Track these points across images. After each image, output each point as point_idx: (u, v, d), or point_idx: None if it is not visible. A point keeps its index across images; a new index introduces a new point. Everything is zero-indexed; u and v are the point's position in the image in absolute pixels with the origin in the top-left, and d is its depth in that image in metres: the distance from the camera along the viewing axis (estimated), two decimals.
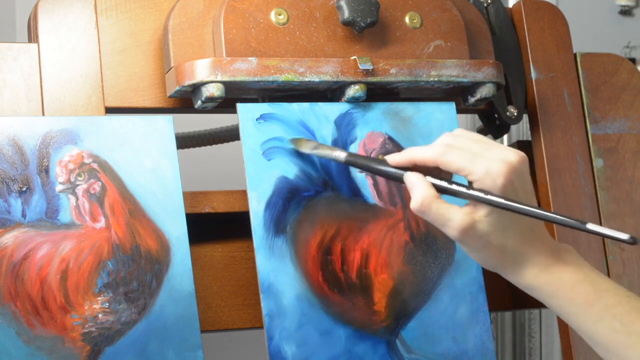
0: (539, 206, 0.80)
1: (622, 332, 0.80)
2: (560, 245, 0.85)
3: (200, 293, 0.97)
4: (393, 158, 0.85)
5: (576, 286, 0.82)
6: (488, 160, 0.80)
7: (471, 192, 0.81)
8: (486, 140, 0.83)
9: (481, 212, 0.81)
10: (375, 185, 0.98)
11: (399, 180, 0.85)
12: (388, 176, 0.86)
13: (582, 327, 0.83)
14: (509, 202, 0.79)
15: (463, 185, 0.82)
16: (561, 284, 0.82)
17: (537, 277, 0.83)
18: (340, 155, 0.90)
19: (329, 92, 1.00)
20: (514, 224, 0.82)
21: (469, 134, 0.84)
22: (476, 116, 1.41)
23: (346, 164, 0.92)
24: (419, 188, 0.82)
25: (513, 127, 1.50)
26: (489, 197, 0.80)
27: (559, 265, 0.83)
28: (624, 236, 0.75)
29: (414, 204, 0.82)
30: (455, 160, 0.81)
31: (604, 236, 0.77)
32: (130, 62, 0.97)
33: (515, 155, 0.81)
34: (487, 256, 0.83)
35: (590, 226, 0.77)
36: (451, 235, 0.82)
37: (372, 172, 0.88)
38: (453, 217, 0.81)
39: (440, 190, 0.82)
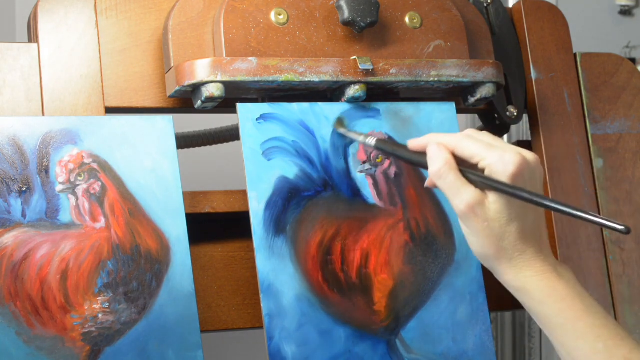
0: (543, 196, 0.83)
1: (603, 354, 0.80)
2: (559, 262, 0.86)
3: (200, 293, 0.97)
4: (414, 142, 0.89)
5: (567, 299, 0.83)
6: (504, 150, 0.83)
7: (479, 177, 0.83)
8: (504, 141, 0.86)
9: (490, 198, 0.83)
10: (375, 185, 0.98)
11: (424, 166, 0.87)
12: (412, 161, 0.90)
13: (563, 341, 0.83)
14: (514, 189, 0.81)
15: (476, 172, 0.84)
16: (553, 293, 0.83)
17: (530, 280, 0.83)
18: (371, 141, 0.94)
19: (329, 92, 1.00)
20: (518, 218, 0.83)
21: (489, 134, 0.87)
22: (476, 116, 1.41)
23: (375, 149, 0.96)
24: (442, 154, 0.85)
25: (513, 127, 1.50)
26: (496, 182, 0.82)
27: (554, 275, 0.84)
28: (620, 226, 0.77)
29: (434, 168, 0.84)
30: (471, 146, 0.84)
31: (601, 225, 0.79)
32: (130, 62, 0.97)
33: (531, 154, 0.85)
34: (484, 243, 0.84)
35: (590, 216, 0.79)
36: (457, 209, 0.84)
37: (398, 157, 0.92)
38: (465, 190, 0.83)
39: None
